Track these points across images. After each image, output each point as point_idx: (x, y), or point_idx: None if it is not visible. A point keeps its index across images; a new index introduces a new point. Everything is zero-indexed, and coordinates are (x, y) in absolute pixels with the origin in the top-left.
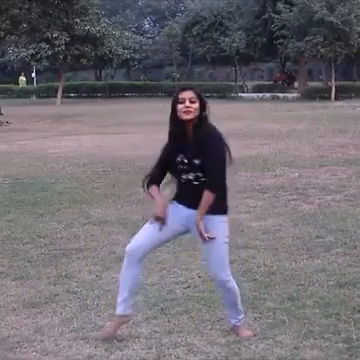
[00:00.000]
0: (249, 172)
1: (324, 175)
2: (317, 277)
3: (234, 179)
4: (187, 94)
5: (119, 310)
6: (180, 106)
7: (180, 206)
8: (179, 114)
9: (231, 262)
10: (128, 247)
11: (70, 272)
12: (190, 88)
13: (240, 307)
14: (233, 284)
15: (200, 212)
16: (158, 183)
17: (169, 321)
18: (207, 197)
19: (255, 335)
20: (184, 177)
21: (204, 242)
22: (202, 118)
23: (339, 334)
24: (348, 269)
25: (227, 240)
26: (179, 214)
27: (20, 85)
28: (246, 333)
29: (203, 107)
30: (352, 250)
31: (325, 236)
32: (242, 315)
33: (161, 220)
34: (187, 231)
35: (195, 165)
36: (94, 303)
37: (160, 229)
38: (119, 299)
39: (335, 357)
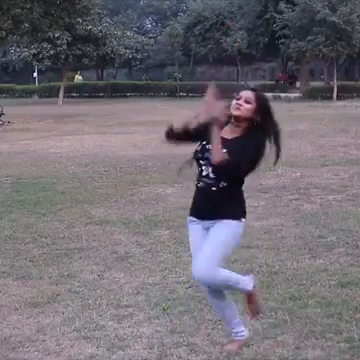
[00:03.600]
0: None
1: (326, 175)
2: (319, 277)
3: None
4: (246, 94)
5: (235, 337)
6: (234, 101)
7: (195, 223)
8: (231, 108)
9: (233, 262)
10: (194, 275)
11: (72, 272)
12: (254, 91)
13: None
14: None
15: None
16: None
17: (171, 321)
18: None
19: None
20: (204, 173)
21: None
22: (254, 125)
23: (341, 334)
24: (350, 269)
25: (229, 242)
26: (202, 227)
27: (76, 82)
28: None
29: (264, 117)
30: (354, 250)
31: (327, 236)
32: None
33: (217, 120)
34: None
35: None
36: (96, 303)
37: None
38: (231, 328)
39: (337, 357)
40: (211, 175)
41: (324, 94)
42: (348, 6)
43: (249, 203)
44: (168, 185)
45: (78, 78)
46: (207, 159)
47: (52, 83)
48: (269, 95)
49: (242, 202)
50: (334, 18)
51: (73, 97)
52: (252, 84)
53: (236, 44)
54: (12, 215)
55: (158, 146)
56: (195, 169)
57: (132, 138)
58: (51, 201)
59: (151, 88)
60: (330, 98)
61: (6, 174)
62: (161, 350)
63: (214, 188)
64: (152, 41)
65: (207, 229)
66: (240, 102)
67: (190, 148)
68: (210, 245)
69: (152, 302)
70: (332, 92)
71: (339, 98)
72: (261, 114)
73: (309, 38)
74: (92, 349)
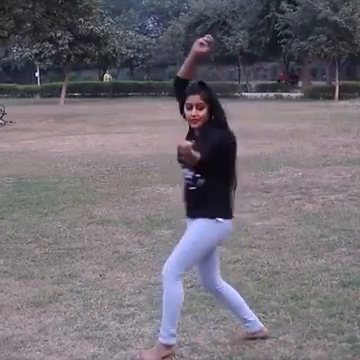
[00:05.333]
0: (253, 171)
1: (328, 174)
2: (321, 276)
3: (240, 178)
4: (194, 99)
5: (249, 327)
6: (187, 113)
7: (187, 220)
8: (187, 120)
9: (235, 261)
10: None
11: (74, 271)
12: (198, 91)
13: (173, 322)
14: (171, 289)
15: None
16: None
17: None
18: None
19: None
20: (184, 174)
21: None
22: (211, 123)
23: (343, 333)
24: (352, 268)
25: (198, 240)
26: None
27: (105, 81)
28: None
29: (214, 110)
30: (356, 249)
31: (329, 235)
32: (165, 331)
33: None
34: None
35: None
36: (98, 302)
37: None
38: (241, 321)
39: (339, 356)
40: (188, 175)
41: (326, 94)
42: (350, 6)
43: (251, 203)
44: (170, 185)
45: (107, 77)
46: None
47: (54, 83)
48: (271, 95)
49: (220, 201)
50: (336, 18)
51: (75, 97)
52: (254, 84)
53: (238, 44)
54: (14, 215)
55: (160, 146)
56: None
57: (134, 138)
58: (53, 201)
59: (153, 88)
60: (332, 98)
61: (8, 174)
62: None
63: (192, 187)
64: (154, 41)
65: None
66: (193, 113)
67: None
68: (178, 244)
69: (154, 302)
70: (334, 92)
71: (341, 98)
72: (214, 110)
73: (311, 38)
74: (94, 349)
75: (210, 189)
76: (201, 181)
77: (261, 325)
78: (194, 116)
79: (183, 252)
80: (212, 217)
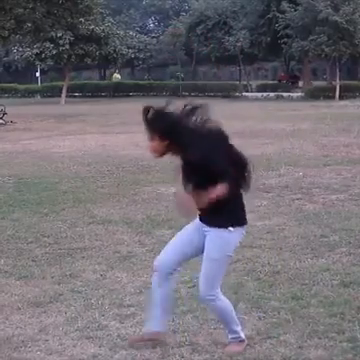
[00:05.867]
0: (253, 171)
1: (328, 174)
2: (321, 276)
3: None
4: (147, 133)
5: (147, 326)
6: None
7: (196, 218)
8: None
9: (235, 261)
10: (154, 264)
11: (74, 271)
12: (146, 127)
13: (234, 327)
14: (218, 304)
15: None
16: None
17: (174, 320)
18: (219, 186)
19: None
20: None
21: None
22: (174, 145)
23: (343, 333)
24: (352, 268)
25: (219, 256)
26: (197, 225)
27: (113, 81)
28: (233, 349)
29: (164, 136)
30: (357, 249)
31: (329, 235)
32: (235, 335)
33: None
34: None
35: (191, 186)
36: (99, 302)
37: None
38: (149, 315)
39: (339, 356)
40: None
41: (326, 94)
42: (351, 5)
43: (251, 203)
44: (170, 184)
45: (116, 77)
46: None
47: (54, 83)
48: (272, 95)
49: (230, 210)
50: (337, 17)
51: (75, 97)
52: (254, 83)
53: (238, 44)
54: (14, 215)
55: None
56: None
57: (134, 138)
58: (53, 201)
59: (153, 88)
60: (332, 98)
61: (8, 174)
62: (164, 350)
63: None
64: (154, 41)
65: (198, 230)
66: (149, 145)
67: None
68: (203, 267)
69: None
70: (334, 92)
71: (341, 98)
72: (166, 136)
73: (311, 38)
74: (94, 349)
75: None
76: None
77: (163, 328)
78: (150, 148)
79: (210, 275)
80: (225, 227)
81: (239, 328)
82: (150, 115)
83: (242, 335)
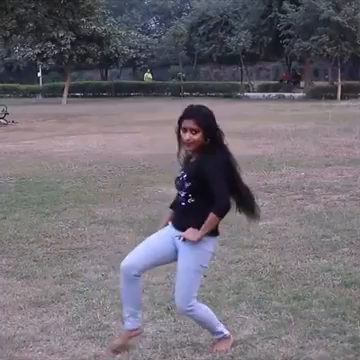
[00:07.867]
0: (255, 171)
1: (330, 174)
2: (323, 277)
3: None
4: (188, 124)
5: (128, 325)
6: (183, 135)
7: (172, 225)
8: (182, 142)
9: (237, 261)
10: (122, 264)
11: (76, 271)
12: (193, 117)
13: (218, 328)
14: (198, 312)
15: (201, 230)
16: None
17: (175, 320)
18: (210, 218)
19: (227, 351)
20: (178, 194)
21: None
22: (206, 146)
23: (345, 333)
24: (354, 268)
25: (196, 268)
26: (170, 232)
27: (145, 80)
28: (221, 347)
29: (208, 133)
30: (358, 249)
31: (331, 236)
32: (220, 334)
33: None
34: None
35: (186, 186)
36: (100, 302)
37: (156, 244)
38: (126, 314)
39: (341, 356)
40: (182, 194)
41: (328, 94)
42: (352, 6)
43: None
44: (172, 185)
45: (148, 76)
46: (178, 186)
47: (56, 83)
48: (273, 95)
49: (204, 221)
50: (338, 18)
51: (77, 97)
52: (256, 84)
53: (240, 44)
54: (16, 214)
55: (162, 146)
56: None
57: (136, 138)
58: (55, 201)
59: (155, 88)
60: (334, 98)
61: (10, 174)
62: (165, 349)
63: (183, 203)
64: (156, 41)
65: (172, 238)
66: (187, 137)
67: None
68: (178, 277)
69: (156, 302)
70: (336, 92)
71: (343, 98)
72: (209, 134)
73: (313, 38)
74: (96, 349)
75: (200, 208)
76: (192, 200)
77: (139, 325)
78: (188, 140)
79: (185, 286)
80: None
81: (222, 326)
82: (206, 110)
83: (226, 332)
